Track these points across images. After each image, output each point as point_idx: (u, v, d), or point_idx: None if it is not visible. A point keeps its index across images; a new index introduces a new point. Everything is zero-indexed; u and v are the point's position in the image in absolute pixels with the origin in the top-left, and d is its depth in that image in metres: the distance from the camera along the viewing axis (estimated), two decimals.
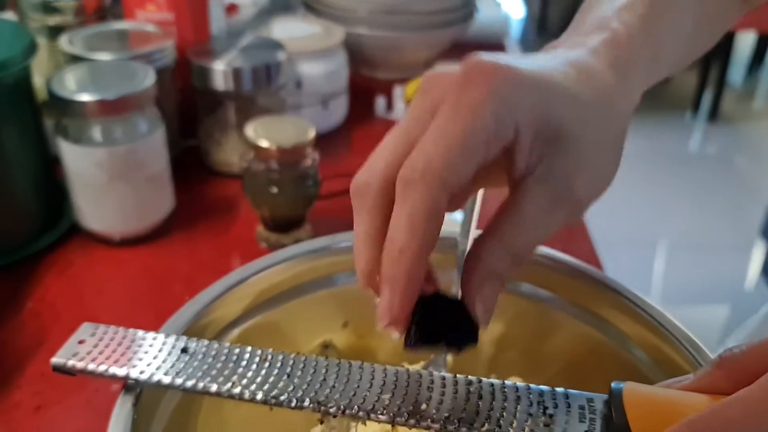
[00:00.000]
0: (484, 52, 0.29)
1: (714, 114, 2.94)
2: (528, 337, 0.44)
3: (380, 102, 0.87)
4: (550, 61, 0.31)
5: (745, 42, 3.24)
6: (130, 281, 0.59)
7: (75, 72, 0.59)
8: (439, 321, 0.29)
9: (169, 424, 0.34)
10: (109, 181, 0.58)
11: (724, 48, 2.80)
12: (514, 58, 0.30)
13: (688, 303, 1.99)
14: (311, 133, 0.58)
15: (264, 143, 0.57)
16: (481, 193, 0.44)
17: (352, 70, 0.85)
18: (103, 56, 0.64)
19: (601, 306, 0.41)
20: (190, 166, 0.73)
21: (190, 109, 0.72)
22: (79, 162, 0.57)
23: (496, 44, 1.09)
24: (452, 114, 0.28)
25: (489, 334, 0.45)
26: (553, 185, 0.29)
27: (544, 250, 0.42)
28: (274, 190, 0.58)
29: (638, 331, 0.39)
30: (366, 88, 0.91)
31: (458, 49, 0.90)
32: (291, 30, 0.81)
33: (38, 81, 0.63)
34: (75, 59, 0.64)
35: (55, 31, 0.70)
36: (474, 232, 0.43)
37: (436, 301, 0.30)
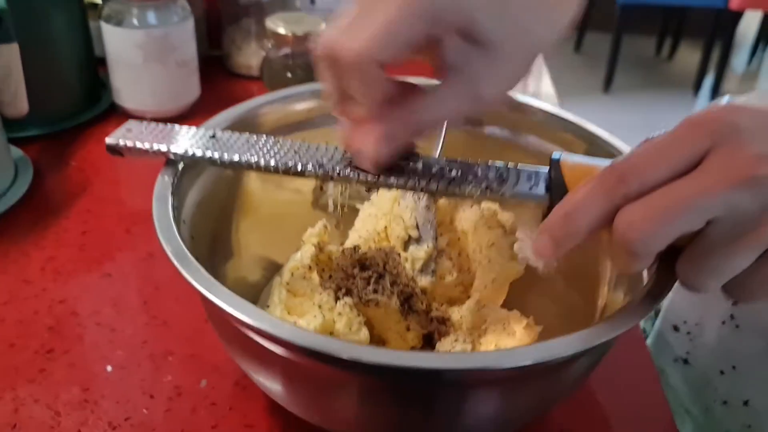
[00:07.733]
0: None
1: (715, 94, 2.95)
2: None
3: None
4: None
5: (750, 23, 3.24)
6: None
7: None
8: None
9: (202, 197, 0.42)
10: (144, 62, 0.66)
11: (727, 29, 2.83)
12: None
13: None
14: (323, 25, 0.67)
15: (281, 30, 0.65)
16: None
17: None
18: None
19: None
20: (214, 70, 0.81)
21: (214, 21, 0.81)
22: (119, 43, 0.66)
23: None
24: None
25: None
26: (463, 79, 0.33)
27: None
28: (289, 75, 0.67)
29: None
30: None
31: None
32: None
33: None
34: None
35: None
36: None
37: None
